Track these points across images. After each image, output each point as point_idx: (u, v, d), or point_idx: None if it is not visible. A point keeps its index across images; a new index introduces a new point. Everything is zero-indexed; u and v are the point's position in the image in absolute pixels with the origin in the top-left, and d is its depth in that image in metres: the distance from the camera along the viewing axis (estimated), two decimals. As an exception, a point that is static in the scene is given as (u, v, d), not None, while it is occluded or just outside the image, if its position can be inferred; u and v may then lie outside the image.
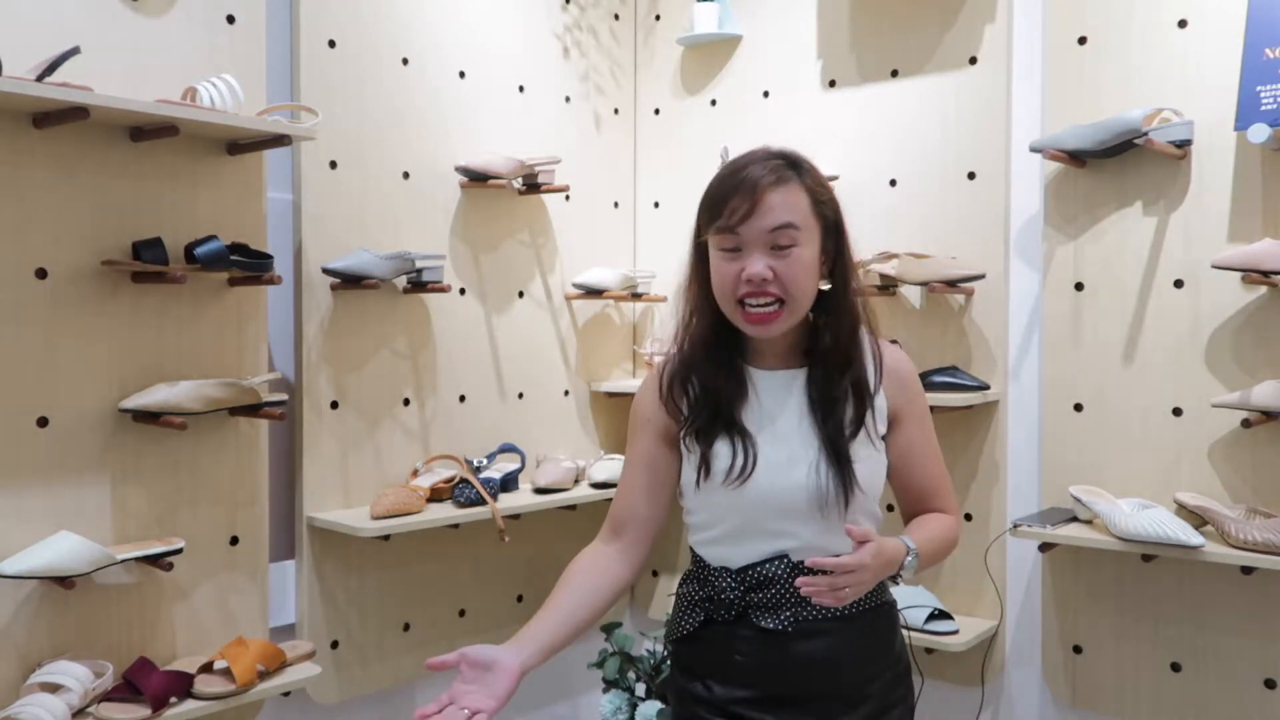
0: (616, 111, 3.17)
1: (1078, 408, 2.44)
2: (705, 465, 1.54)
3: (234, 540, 2.26)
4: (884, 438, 1.60)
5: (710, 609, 1.59)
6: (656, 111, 3.19)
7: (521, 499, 2.69)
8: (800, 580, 1.38)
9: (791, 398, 1.57)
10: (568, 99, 3.02)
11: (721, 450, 1.54)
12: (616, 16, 3.17)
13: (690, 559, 1.67)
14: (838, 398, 1.55)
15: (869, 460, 1.56)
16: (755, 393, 1.58)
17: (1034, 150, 2.40)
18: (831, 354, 1.56)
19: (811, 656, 1.54)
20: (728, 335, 1.57)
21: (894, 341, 1.72)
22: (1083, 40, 2.42)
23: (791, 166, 1.51)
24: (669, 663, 1.73)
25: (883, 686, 1.60)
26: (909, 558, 1.48)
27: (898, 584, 1.51)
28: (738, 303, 1.49)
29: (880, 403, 1.59)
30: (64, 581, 1.89)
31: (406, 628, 2.64)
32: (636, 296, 3.05)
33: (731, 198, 1.47)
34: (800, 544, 1.54)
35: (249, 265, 2.16)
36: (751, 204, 1.46)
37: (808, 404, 1.56)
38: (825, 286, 1.53)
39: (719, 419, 1.55)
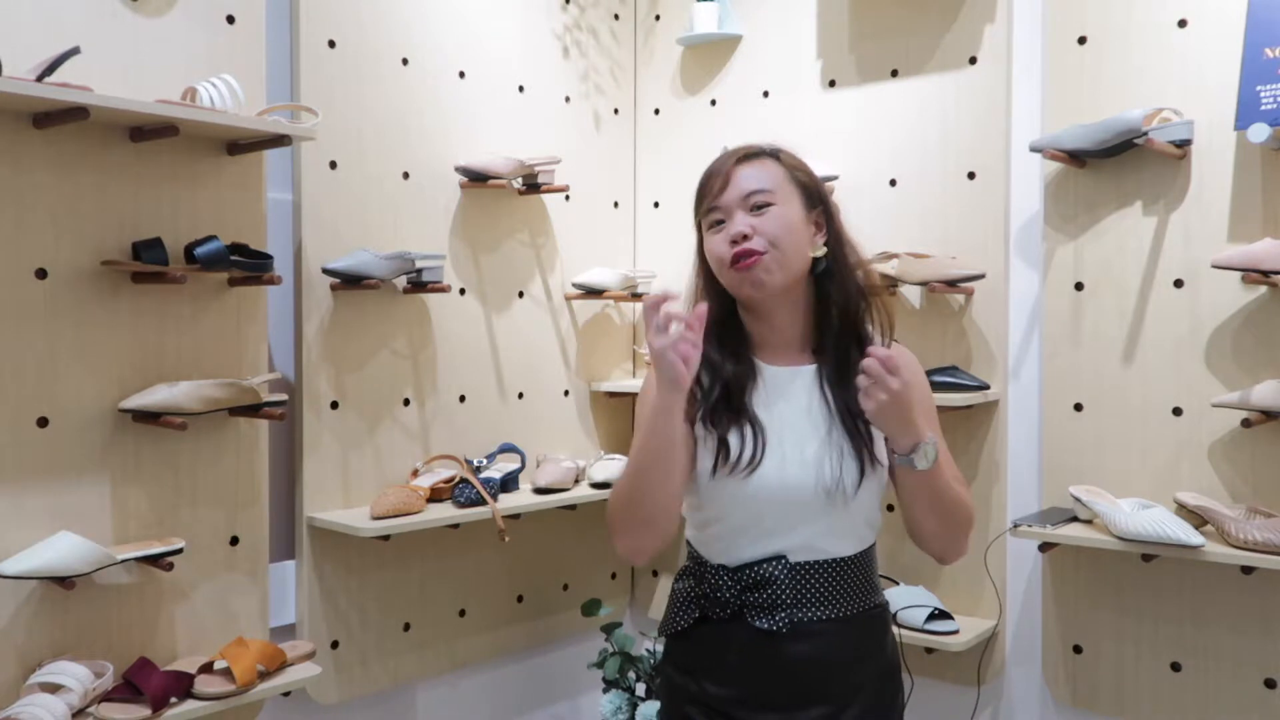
0: (616, 111, 3.17)
1: (1078, 408, 2.44)
2: (725, 450, 1.55)
3: (234, 540, 2.26)
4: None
5: (706, 606, 1.60)
6: (656, 111, 3.19)
7: (521, 499, 2.69)
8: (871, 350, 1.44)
9: (799, 391, 1.60)
10: (568, 99, 3.02)
11: (732, 439, 1.56)
12: (616, 16, 3.17)
13: (686, 554, 1.67)
14: (851, 379, 1.57)
15: (879, 441, 1.58)
16: (764, 384, 1.60)
17: (1034, 150, 2.40)
18: (840, 334, 1.60)
19: (804, 658, 1.55)
20: (735, 326, 1.63)
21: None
22: (1083, 40, 2.42)
23: (763, 150, 1.63)
24: (661, 658, 1.74)
25: (872, 688, 1.61)
26: (928, 439, 1.49)
27: (913, 466, 1.49)
28: (730, 266, 1.56)
29: None
30: (64, 582, 1.89)
31: (406, 628, 2.64)
32: (636, 296, 3.05)
33: (709, 180, 1.60)
34: (800, 544, 1.55)
35: (249, 265, 2.16)
36: (725, 178, 1.58)
37: (819, 395, 1.59)
38: (819, 253, 1.60)
39: (729, 405, 1.58)
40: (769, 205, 1.56)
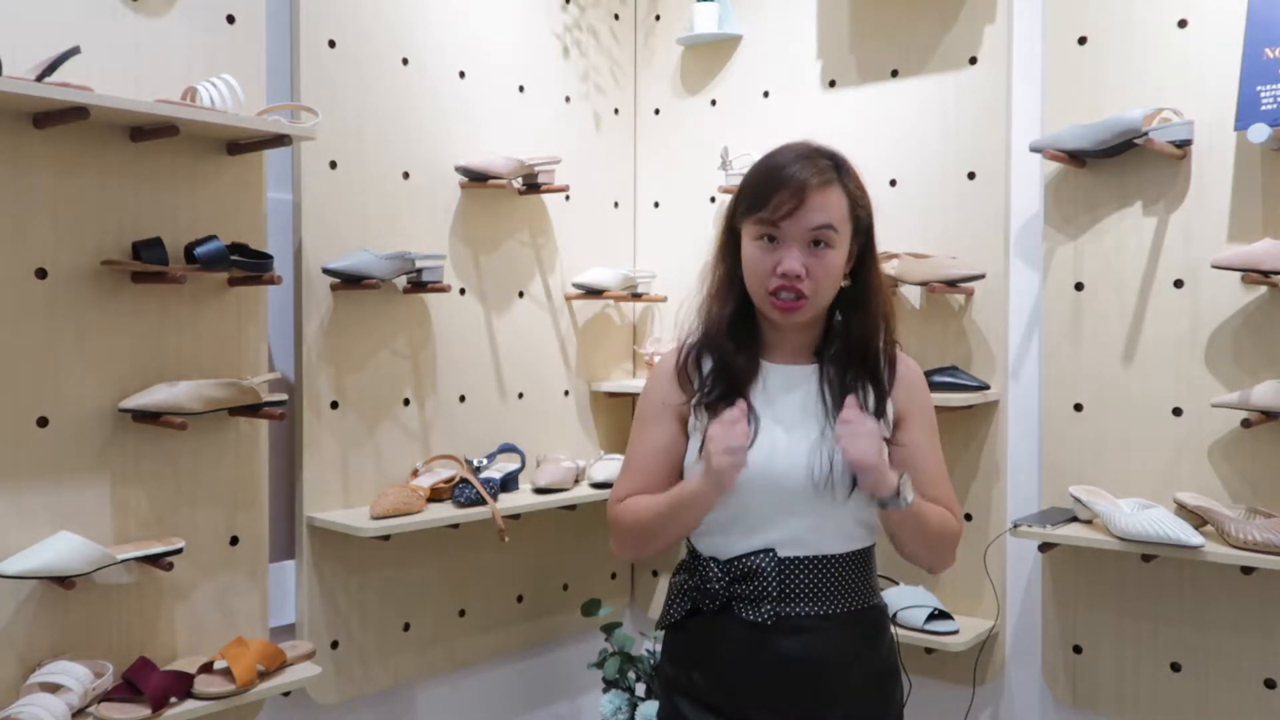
0: (616, 111, 3.17)
1: (1078, 408, 2.44)
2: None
3: (234, 540, 2.26)
4: (888, 442, 1.61)
5: (697, 598, 1.61)
6: (656, 111, 3.19)
7: (521, 499, 2.69)
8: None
9: (799, 389, 1.61)
10: (568, 99, 3.02)
11: None
12: (616, 16, 3.17)
13: (685, 548, 1.69)
14: (852, 387, 1.59)
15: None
16: (764, 381, 1.61)
17: (1034, 150, 2.40)
18: (848, 352, 1.61)
19: (793, 654, 1.55)
20: (747, 322, 1.63)
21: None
22: (1083, 40, 2.42)
23: (836, 168, 1.57)
24: (659, 654, 1.75)
25: (866, 690, 1.60)
26: (904, 477, 1.51)
27: (900, 504, 1.51)
28: (769, 292, 1.54)
29: (889, 408, 1.61)
30: (64, 581, 1.89)
31: (406, 628, 2.64)
32: (636, 296, 3.05)
33: (778, 192, 1.52)
34: (789, 537, 1.56)
35: (249, 265, 2.16)
36: (797, 202, 1.51)
37: (816, 394, 1.60)
38: (844, 284, 1.60)
39: (727, 397, 1.58)
40: (828, 248, 1.53)
